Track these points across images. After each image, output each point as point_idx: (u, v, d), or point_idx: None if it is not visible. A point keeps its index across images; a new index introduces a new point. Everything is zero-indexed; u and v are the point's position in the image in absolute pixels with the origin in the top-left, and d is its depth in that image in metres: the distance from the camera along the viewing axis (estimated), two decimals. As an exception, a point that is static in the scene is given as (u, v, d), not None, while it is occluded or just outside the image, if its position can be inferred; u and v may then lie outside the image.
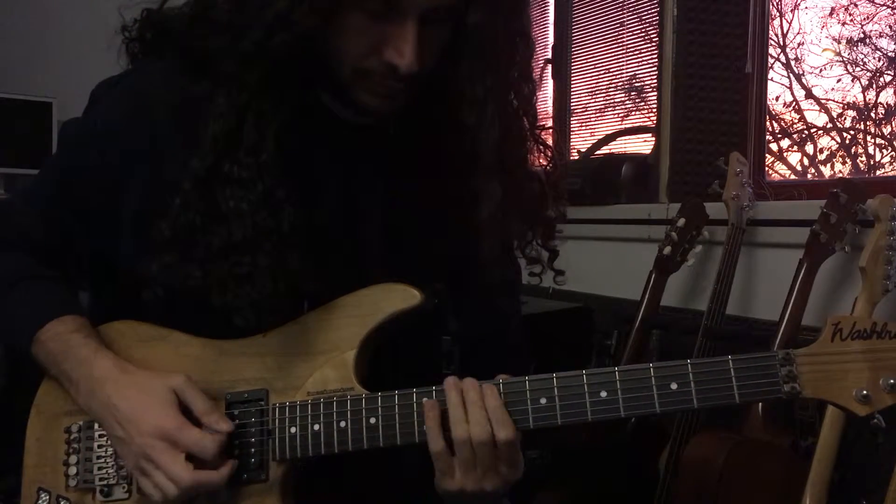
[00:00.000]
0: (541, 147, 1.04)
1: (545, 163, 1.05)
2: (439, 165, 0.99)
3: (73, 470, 0.99)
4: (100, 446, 0.99)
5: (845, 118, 2.72)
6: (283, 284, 0.91)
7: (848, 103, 2.68)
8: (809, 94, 2.77)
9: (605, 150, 2.95)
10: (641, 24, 2.79)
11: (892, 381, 0.82)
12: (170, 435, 0.91)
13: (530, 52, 0.98)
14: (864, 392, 0.83)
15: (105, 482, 0.98)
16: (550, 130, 1.05)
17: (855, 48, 2.55)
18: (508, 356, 0.92)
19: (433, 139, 0.99)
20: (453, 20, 0.92)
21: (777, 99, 2.75)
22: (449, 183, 0.99)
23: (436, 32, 0.91)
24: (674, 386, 0.86)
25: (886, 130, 2.57)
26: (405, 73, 0.89)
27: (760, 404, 1.74)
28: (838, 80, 2.65)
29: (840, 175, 2.65)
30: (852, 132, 2.72)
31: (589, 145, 3.05)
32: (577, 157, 3.07)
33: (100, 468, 0.99)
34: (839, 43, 2.59)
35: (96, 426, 0.99)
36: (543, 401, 0.88)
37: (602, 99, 3.04)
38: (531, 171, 1.04)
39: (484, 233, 0.98)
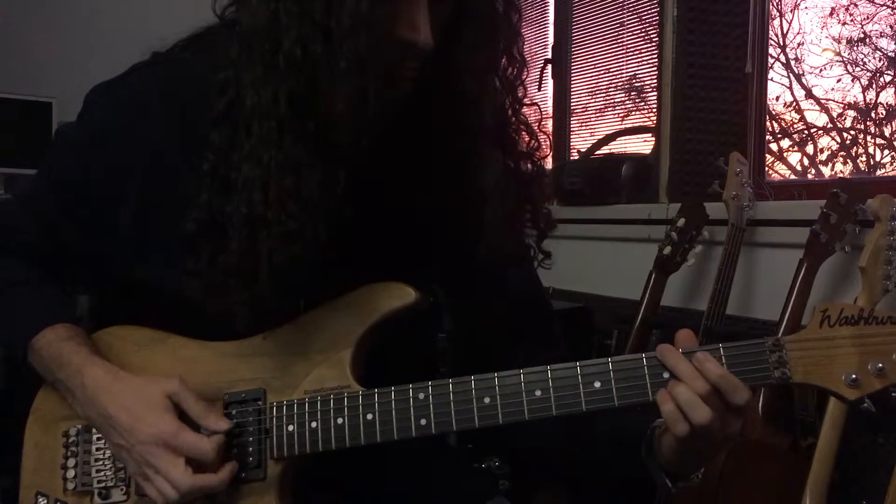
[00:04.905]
0: (523, 126, 1.04)
1: (528, 139, 1.05)
2: (436, 162, 0.99)
3: (71, 473, 0.99)
4: (98, 449, 0.99)
5: (845, 118, 2.72)
6: (283, 285, 0.91)
7: (848, 103, 2.67)
8: (809, 94, 2.77)
9: (605, 150, 2.95)
10: (641, 24, 2.79)
11: (880, 365, 0.83)
12: (168, 441, 0.91)
13: (518, 27, 0.98)
14: (854, 376, 0.83)
15: (103, 484, 0.98)
16: (533, 108, 1.04)
17: (855, 48, 2.55)
18: (523, 339, 0.91)
19: (429, 134, 0.99)
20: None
21: (777, 99, 2.75)
22: (446, 179, 0.99)
23: (440, 12, 0.90)
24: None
25: (887, 131, 2.56)
26: (422, 49, 0.87)
27: (761, 405, 1.74)
28: (838, 80, 2.65)
29: (840, 175, 2.64)
30: (852, 132, 2.72)
31: (589, 145, 3.05)
32: (577, 157, 3.07)
33: (98, 471, 0.99)
34: (839, 43, 2.59)
35: (94, 429, 0.99)
36: (538, 393, 0.88)
37: (602, 99, 3.04)
38: (522, 150, 1.03)
39: (487, 201, 0.97)
